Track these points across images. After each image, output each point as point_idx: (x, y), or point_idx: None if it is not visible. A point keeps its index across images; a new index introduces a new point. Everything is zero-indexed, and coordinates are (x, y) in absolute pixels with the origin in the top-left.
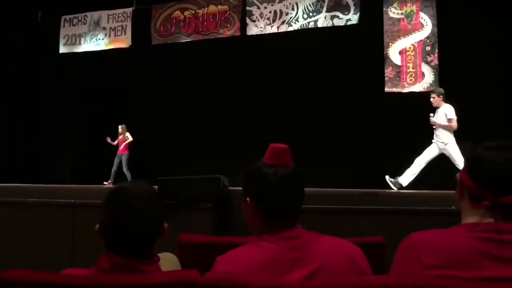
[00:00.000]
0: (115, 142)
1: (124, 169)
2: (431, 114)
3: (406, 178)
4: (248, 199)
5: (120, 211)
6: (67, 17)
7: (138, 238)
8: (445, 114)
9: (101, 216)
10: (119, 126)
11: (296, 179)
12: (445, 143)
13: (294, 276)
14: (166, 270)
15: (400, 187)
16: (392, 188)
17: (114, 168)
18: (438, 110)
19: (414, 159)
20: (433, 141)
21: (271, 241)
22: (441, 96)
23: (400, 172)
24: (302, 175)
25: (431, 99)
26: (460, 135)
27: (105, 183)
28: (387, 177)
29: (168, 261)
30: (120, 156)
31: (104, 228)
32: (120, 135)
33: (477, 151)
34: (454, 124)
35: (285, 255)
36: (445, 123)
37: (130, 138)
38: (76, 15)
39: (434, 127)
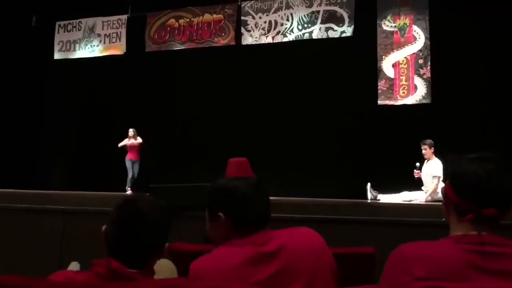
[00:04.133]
0: (122, 144)
1: (135, 174)
2: (417, 164)
3: (387, 198)
4: (221, 214)
5: (126, 221)
6: (62, 23)
7: (136, 249)
8: (434, 167)
9: (108, 220)
10: (130, 130)
11: (263, 187)
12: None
13: (261, 275)
14: (162, 277)
15: (374, 199)
16: (367, 196)
17: (129, 174)
18: (426, 163)
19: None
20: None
21: (241, 245)
22: (432, 147)
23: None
24: (265, 183)
25: (423, 151)
26: (449, 147)
27: (128, 190)
28: (368, 184)
29: (164, 267)
30: (131, 161)
31: (108, 233)
32: (130, 139)
33: (458, 165)
34: (437, 182)
35: (255, 257)
36: (431, 178)
37: (139, 140)
38: (71, 21)
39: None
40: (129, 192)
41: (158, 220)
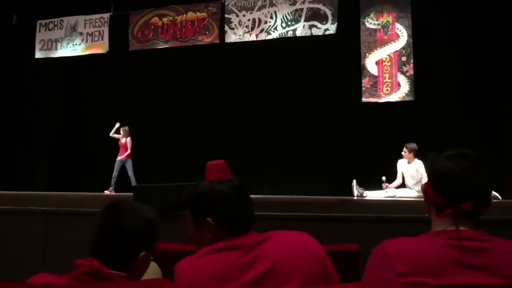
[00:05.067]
0: (115, 135)
1: (129, 173)
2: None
3: (373, 194)
4: (209, 220)
5: (107, 223)
6: (43, 21)
7: (115, 253)
8: (416, 169)
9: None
10: (121, 128)
11: (245, 190)
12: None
13: (248, 277)
14: (147, 278)
15: (361, 196)
16: (353, 193)
17: (114, 173)
18: (407, 165)
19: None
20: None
21: (228, 247)
22: (412, 152)
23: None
24: (246, 185)
25: (403, 153)
26: (432, 144)
27: (106, 191)
28: (354, 181)
29: (149, 270)
30: (122, 161)
31: (93, 234)
32: (122, 138)
33: (436, 162)
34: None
35: (242, 259)
36: (416, 179)
37: (129, 148)
38: (52, 20)
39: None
40: (106, 192)
41: (136, 227)
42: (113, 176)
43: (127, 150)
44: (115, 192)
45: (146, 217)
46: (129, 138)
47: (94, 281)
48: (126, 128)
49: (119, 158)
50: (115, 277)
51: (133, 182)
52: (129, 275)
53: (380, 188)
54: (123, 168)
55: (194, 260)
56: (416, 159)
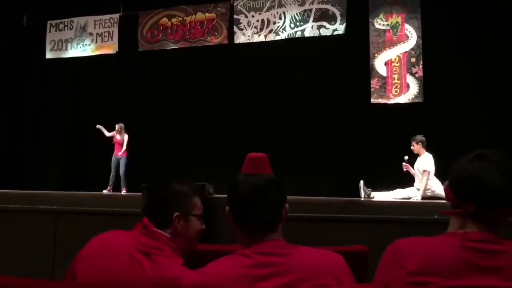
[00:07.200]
0: (108, 134)
1: (121, 172)
2: (406, 158)
3: (380, 195)
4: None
5: (148, 193)
6: (53, 22)
7: (154, 211)
8: (420, 164)
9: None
10: (116, 125)
11: (268, 189)
12: (432, 190)
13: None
14: None
15: (368, 197)
16: (360, 194)
17: (112, 173)
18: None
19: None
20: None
21: (246, 255)
22: (420, 143)
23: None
24: (277, 184)
25: (412, 147)
26: (443, 147)
27: (104, 191)
28: (361, 182)
29: None
30: (118, 158)
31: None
32: (117, 134)
33: (455, 164)
34: (426, 177)
35: (259, 270)
36: (421, 173)
37: (124, 145)
38: (62, 20)
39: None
40: (105, 192)
41: (166, 192)
42: (111, 175)
43: (122, 147)
44: (113, 191)
45: (177, 186)
46: (126, 135)
47: (148, 236)
48: (122, 124)
49: (115, 155)
50: (160, 236)
51: (123, 183)
52: (172, 237)
53: (388, 188)
54: (118, 166)
55: (211, 266)
56: (426, 153)
